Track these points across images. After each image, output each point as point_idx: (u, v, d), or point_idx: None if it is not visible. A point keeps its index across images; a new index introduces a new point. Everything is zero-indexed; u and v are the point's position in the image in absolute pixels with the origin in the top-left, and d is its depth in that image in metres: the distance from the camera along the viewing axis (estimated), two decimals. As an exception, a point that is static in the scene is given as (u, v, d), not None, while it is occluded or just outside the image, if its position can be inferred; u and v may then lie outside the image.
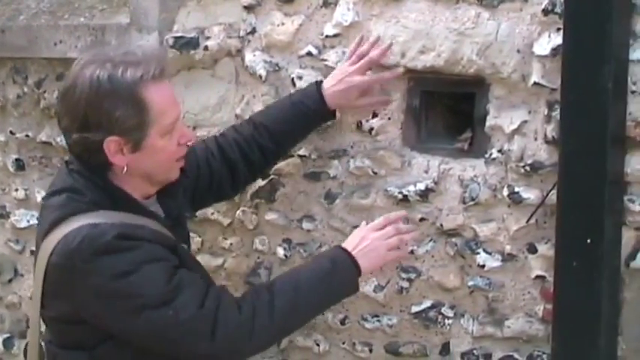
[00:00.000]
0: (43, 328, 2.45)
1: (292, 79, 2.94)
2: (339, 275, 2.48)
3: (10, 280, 3.84)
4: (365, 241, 2.54)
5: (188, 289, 2.27)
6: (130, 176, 2.34)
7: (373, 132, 2.85)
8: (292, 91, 2.91)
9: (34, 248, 3.63)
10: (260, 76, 3.00)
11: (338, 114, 2.87)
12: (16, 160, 3.73)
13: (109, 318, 2.26)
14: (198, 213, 2.99)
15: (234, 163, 2.79)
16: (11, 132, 3.72)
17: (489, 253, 2.73)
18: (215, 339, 2.28)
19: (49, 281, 2.31)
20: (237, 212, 3.10)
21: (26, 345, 3.75)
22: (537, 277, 2.69)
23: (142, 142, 2.30)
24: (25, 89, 3.64)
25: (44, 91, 3.58)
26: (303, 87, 2.87)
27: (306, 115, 2.80)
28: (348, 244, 2.55)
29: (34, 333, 2.43)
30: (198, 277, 2.38)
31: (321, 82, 2.81)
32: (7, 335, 3.87)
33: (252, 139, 2.80)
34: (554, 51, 2.55)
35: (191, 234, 2.75)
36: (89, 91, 2.24)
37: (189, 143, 2.43)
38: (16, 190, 3.75)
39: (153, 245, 2.29)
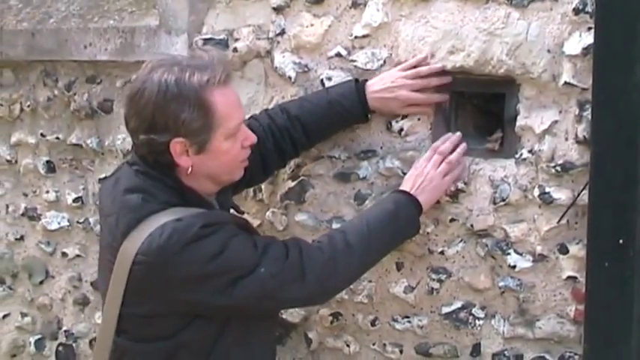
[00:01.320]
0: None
1: (322, 80, 2.94)
2: (403, 214, 2.66)
3: (41, 282, 3.86)
4: (420, 178, 2.71)
5: (271, 247, 2.42)
6: (194, 176, 2.44)
7: (403, 132, 2.85)
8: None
9: (65, 250, 3.72)
10: (289, 78, 3.00)
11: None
12: (47, 162, 3.76)
13: (206, 300, 2.35)
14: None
15: (268, 152, 2.83)
16: (42, 134, 3.75)
17: (520, 254, 2.72)
18: (306, 281, 2.43)
19: (133, 280, 2.36)
20: (267, 213, 3.11)
21: (58, 346, 3.79)
22: (568, 277, 2.68)
23: (207, 145, 2.39)
24: (56, 92, 3.67)
25: (74, 94, 3.60)
26: (340, 83, 2.88)
27: (342, 115, 2.83)
28: (406, 186, 2.72)
29: (108, 331, 2.45)
30: (273, 236, 2.66)
31: (361, 81, 2.82)
32: (39, 337, 3.89)
33: (286, 130, 2.84)
34: (585, 50, 2.54)
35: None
36: (157, 93, 2.33)
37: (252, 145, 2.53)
38: (47, 192, 3.78)
39: (230, 224, 2.41)
